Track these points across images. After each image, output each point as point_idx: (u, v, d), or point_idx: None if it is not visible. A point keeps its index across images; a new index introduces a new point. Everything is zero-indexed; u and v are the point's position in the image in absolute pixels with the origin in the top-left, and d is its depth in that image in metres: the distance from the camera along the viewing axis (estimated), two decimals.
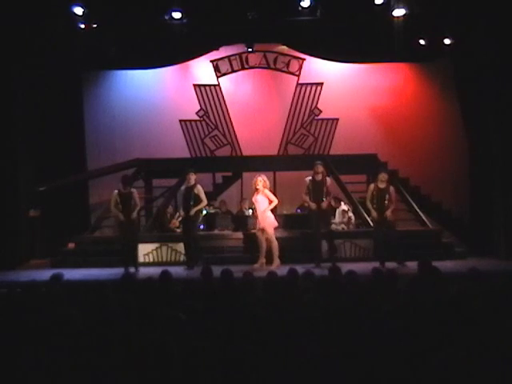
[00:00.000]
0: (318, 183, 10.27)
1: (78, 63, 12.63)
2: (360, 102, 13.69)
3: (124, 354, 3.60)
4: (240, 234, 11.31)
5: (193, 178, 10.50)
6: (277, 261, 10.11)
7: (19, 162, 11.86)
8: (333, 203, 11.60)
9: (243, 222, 11.57)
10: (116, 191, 10.36)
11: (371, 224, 10.97)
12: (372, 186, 10.33)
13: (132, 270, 10.00)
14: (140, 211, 11.29)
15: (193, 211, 10.32)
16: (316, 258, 10.08)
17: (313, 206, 10.18)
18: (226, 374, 3.38)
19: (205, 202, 10.53)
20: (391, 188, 10.29)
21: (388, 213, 10.05)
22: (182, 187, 10.68)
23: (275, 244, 10.22)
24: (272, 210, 10.38)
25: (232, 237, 11.41)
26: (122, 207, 10.21)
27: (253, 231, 10.78)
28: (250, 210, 11.80)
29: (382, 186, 10.18)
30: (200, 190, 10.45)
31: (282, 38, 13.05)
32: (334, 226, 11.53)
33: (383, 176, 10.21)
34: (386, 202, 10.09)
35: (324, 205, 10.21)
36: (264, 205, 10.24)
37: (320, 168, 10.32)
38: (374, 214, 10.11)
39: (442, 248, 11.02)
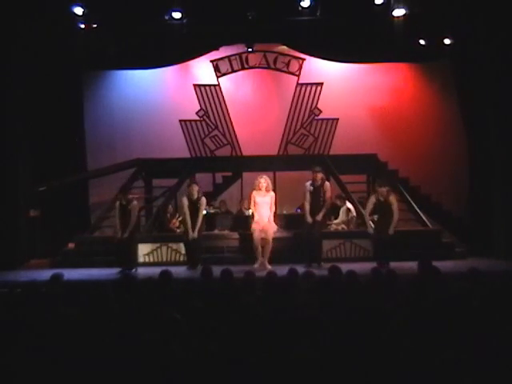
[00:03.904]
0: (317, 189, 10.15)
1: (78, 63, 12.65)
2: (360, 102, 13.69)
3: (124, 354, 3.60)
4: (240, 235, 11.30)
5: (195, 190, 10.39)
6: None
7: (19, 162, 11.84)
8: (338, 202, 11.62)
9: (243, 221, 11.55)
10: (118, 202, 10.34)
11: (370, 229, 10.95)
12: (373, 198, 10.10)
13: (129, 270, 9.96)
14: (140, 211, 11.26)
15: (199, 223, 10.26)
16: (315, 259, 10.02)
17: (309, 219, 10.06)
18: (225, 374, 3.38)
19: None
20: (392, 199, 10.00)
21: (391, 230, 9.82)
22: (185, 200, 10.39)
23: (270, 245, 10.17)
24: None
25: (232, 237, 11.41)
26: (121, 219, 10.16)
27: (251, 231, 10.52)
28: (250, 210, 11.76)
29: (382, 199, 9.98)
30: (203, 204, 10.40)
31: (282, 38, 13.06)
32: (334, 226, 11.56)
33: (382, 191, 9.95)
34: (388, 216, 9.85)
35: (319, 217, 10.08)
36: (268, 207, 10.22)
37: (318, 175, 10.18)
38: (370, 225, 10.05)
39: (442, 248, 11.03)
